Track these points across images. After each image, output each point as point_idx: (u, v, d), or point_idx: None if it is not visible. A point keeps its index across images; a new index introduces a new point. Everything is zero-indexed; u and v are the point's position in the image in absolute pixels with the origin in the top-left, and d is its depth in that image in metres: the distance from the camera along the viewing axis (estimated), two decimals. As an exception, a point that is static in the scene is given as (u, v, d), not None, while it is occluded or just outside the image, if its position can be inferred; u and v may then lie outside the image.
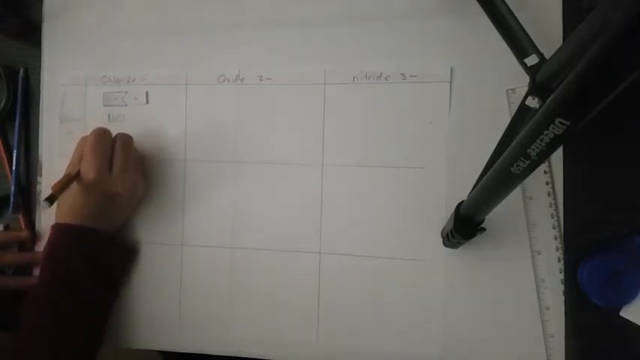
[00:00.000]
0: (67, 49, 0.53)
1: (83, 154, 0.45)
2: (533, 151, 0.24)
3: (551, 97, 0.22)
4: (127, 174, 0.46)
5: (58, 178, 0.45)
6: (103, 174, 0.45)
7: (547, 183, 0.43)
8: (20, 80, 0.53)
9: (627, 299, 0.42)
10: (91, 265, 0.46)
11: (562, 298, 0.43)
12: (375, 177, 0.46)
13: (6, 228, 0.53)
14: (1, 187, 0.54)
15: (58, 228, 0.46)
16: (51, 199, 0.42)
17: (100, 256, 0.47)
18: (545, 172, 0.43)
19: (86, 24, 0.52)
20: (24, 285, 0.51)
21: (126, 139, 0.47)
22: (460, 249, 0.44)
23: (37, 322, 0.43)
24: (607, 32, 0.18)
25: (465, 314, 0.44)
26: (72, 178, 0.45)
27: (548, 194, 0.43)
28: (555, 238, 0.43)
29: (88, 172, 0.44)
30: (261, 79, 0.49)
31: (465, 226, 0.37)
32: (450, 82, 0.45)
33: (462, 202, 0.37)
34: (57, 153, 0.52)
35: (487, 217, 0.36)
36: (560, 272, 0.43)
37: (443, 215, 0.44)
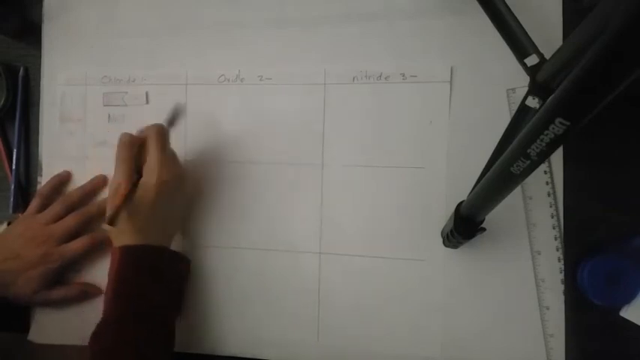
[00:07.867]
0: (67, 49, 0.53)
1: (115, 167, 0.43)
2: (533, 151, 0.24)
3: (551, 97, 0.22)
4: (166, 164, 0.44)
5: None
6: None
7: (547, 183, 0.43)
8: (20, 80, 0.53)
9: (627, 299, 0.42)
10: (164, 287, 0.44)
11: (562, 298, 0.43)
12: (375, 177, 0.46)
13: (6, 228, 0.53)
14: (1, 187, 0.54)
15: (125, 251, 0.42)
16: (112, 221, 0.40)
17: (169, 276, 0.45)
18: (545, 172, 0.43)
19: (86, 24, 0.52)
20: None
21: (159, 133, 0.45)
22: (460, 249, 0.44)
23: (108, 346, 0.40)
24: (607, 32, 0.18)
25: (465, 314, 0.44)
26: (128, 194, 0.42)
27: (548, 194, 0.43)
28: (555, 238, 0.43)
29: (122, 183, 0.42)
30: (261, 79, 0.49)
31: (465, 226, 0.37)
32: (450, 82, 0.45)
33: (462, 202, 0.37)
34: (57, 153, 0.52)
35: (487, 217, 0.36)
36: (560, 272, 0.43)
37: (443, 215, 0.44)
